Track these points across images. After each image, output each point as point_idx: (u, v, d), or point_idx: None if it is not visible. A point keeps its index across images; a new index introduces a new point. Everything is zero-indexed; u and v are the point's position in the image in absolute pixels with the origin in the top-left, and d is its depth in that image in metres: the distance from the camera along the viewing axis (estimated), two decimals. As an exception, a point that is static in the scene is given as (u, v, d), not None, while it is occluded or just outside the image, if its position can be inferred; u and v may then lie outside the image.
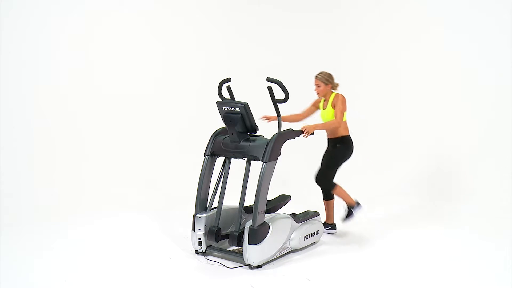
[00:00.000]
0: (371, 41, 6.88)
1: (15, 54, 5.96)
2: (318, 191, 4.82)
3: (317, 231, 4.54)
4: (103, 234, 4.80)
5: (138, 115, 6.52)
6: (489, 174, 5.91)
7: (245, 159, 4.24)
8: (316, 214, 4.59)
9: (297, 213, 4.56)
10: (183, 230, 4.75)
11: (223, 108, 4.15)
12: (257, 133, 4.26)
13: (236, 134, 4.16)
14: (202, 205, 4.32)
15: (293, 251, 4.37)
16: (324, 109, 4.67)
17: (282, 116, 4.45)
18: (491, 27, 6.01)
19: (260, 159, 4.04)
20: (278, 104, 4.18)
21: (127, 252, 4.37)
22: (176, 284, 3.78)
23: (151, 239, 4.71)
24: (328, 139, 4.73)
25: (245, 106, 4.05)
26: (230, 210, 4.44)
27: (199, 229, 4.23)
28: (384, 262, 4.21)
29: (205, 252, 4.27)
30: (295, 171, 6.44)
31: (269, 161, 4.02)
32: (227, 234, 4.27)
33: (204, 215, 4.25)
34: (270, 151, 4.03)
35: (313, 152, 5.08)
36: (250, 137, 4.20)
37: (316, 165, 4.73)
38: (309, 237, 4.45)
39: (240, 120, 4.07)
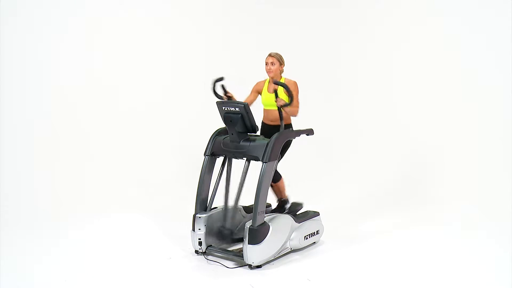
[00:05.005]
0: (371, 40, 6.88)
1: (17, 53, 5.97)
2: (317, 191, 4.81)
3: (317, 231, 4.54)
4: (103, 234, 4.80)
5: (138, 115, 6.51)
6: (489, 173, 5.90)
7: (245, 159, 4.24)
8: (316, 214, 4.59)
9: (297, 213, 4.56)
10: (183, 230, 4.76)
11: (223, 108, 4.16)
12: (257, 133, 4.26)
13: (236, 134, 4.16)
14: (202, 205, 4.32)
15: (293, 251, 4.37)
16: (271, 93, 4.39)
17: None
18: (493, 24, 5.99)
19: (260, 159, 4.05)
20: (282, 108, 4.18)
21: (127, 252, 4.37)
22: (176, 284, 3.79)
23: (151, 239, 4.71)
24: (270, 125, 4.45)
25: (245, 106, 4.06)
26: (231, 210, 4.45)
27: (199, 229, 4.23)
28: (384, 262, 4.21)
29: (205, 252, 4.27)
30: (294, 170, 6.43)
31: (269, 161, 4.02)
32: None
33: (204, 215, 4.25)
34: (270, 151, 4.03)
35: (311, 152, 5.07)
36: (250, 137, 4.20)
37: (314, 164, 4.72)
38: (309, 237, 4.45)
39: (240, 120, 4.08)
